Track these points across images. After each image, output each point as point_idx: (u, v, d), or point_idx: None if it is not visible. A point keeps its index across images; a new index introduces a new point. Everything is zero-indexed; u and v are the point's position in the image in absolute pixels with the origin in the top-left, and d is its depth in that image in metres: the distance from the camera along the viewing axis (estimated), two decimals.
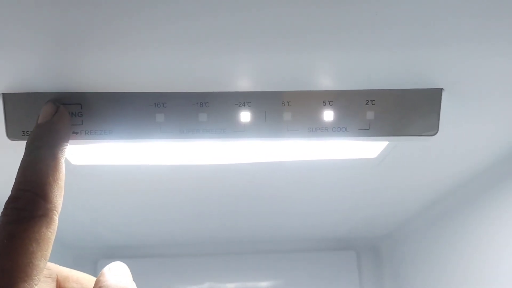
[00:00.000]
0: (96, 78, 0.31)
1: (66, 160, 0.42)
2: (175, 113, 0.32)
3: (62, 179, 0.26)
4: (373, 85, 0.32)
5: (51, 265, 0.28)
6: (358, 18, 0.25)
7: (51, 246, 0.25)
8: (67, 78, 0.30)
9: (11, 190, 0.25)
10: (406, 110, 0.33)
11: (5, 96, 0.31)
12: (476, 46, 0.28)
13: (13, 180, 0.26)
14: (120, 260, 0.28)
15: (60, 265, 0.29)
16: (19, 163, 0.27)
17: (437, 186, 0.58)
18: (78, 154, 0.43)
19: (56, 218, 0.25)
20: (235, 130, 0.33)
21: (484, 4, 0.25)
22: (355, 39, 0.27)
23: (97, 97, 0.32)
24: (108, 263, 0.29)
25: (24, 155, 0.27)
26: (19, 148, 0.32)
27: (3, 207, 0.25)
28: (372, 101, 0.33)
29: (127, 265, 0.29)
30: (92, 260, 0.89)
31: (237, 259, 0.93)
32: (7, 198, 0.25)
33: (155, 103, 0.32)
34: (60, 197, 0.26)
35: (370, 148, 0.44)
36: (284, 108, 0.33)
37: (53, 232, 0.25)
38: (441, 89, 0.33)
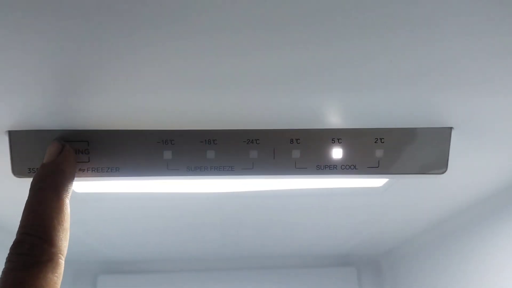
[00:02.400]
0: (103, 116, 0.30)
1: None
2: (182, 150, 0.32)
3: (67, 220, 0.26)
4: (382, 124, 0.32)
5: None
6: (367, 58, 0.25)
7: None
8: (74, 115, 0.30)
9: (16, 234, 0.25)
10: (415, 149, 0.33)
11: (12, 133, 0.31)
12: (486, 87, 0.28)
13: (19, 216, 0.26)
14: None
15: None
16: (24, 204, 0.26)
17: (440, 211, 0.58)
18: (80, 182, 0.43)
19: (61, 261, 0.25)
20: (243, 167, 0.32)
21: (495, 46, 0.24)
22: (365, 79, 0.27)
23: (104, 134, 0.31)
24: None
25: (28, 197, 0.26)
26: (25, 184, 0.32)
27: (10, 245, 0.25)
28: (381, 139, 0.32)
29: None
30: (91, 275, 0.88)
31: (238, 275, 0.92)
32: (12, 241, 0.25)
33: (162, 141, 0.32)
34: (65, 239, 0.26)
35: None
36: (292, 145, 0.32)
37: (59, 276, 0.25)
38: (451, 128, 0.32)
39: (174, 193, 0.46)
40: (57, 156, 0.29)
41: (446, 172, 0.33)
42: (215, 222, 0.63)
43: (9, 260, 0.24)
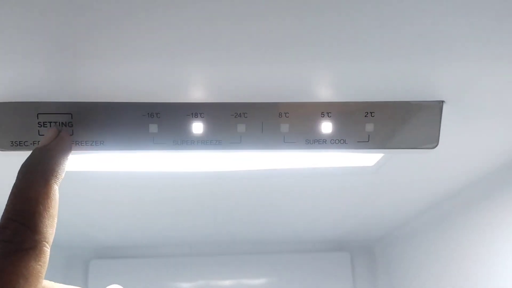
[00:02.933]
0: (88, 88, 0.30)
1: None
2: (169, 124, 0.31)
3: (54, 207, 0.25)
4: (373, 97, 0.32)
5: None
6: (358, 30, 0.25)
7: (41, 281, 0.23)
8: (57, 87, 0.29)
9: (0, 218, 0.24)
10: (406, 123, 0.32)
11: None
12: (478, 59, 0.28)
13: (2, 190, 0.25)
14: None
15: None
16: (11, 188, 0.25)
17: (432, 193, 0.58)
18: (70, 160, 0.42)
19: (46, 249, 0.24)
20: (230, 141, 0.32)
21: (487, 19, 0.24)
22: (355, 50, 0.27)
23: (88, 107, 0.31)
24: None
25: (15, 180, 0.25)
26: (8, 158, 0.31)
27: None
28: (371, 113, 0.32)
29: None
30: (84, 260, 0.88)
31: (233, 260, 0.92)
32: None
33: (148, 114, 0.31)
34: (51, 227, 0.24)
35: (368, 156, 0.43)
36: (281, 119, 0.32)
37: (43, 265, 0.23)
38: (442, 102, 0.32)
39: (165, 172, 0.46)
40: (51, 141, 0.28)
41: (438, 148, 0.33)
42: (207, 207, 0.62)
43: None
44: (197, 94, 0.31)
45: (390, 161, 0.44)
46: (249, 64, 0.28)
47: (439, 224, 0.66)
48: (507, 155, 0.44)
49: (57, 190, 0.25)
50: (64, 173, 0.27)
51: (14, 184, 0.25)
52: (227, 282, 0.92)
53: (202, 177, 0.48)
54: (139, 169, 0.45)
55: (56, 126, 0.30)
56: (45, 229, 0.24)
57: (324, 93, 0.31)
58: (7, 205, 0.24)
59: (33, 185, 0.25)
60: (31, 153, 0.27)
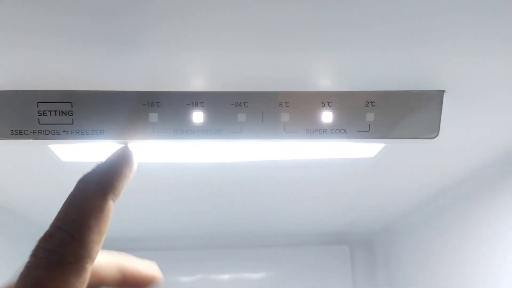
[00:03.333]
0: (88, 76, 0.30)
1: (56, 157, 0.41)
2: (169, 112, 0.31)
3: (106, 223, 0.24)
4: (374, 86, 0.32)
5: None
6: (359, 18, 0.25)
7: None
8: (58, 75, 0.29)
9: (50, 225, 0.23)
10: (407, 112, 0.32)
11: None
12: (479, 48, 0.28)
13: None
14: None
15: None
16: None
17: (433, 185, 0.58)
18: (68, 151, 0.42)
19: (88, 267, 0.22)
20: (231, 131, 0.32)
21: (487, 6, 0.24)
22: (356, 39, 0.27)
23: (89, 95, 0.30)
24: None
25: (73, 189, 0.24)
26: (8, 146, 0.31)
27: None
28: (372, 102, 0.32)
29: None
30: None
31: (232, 253, 0.92)
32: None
33: (148, 102, 0.31)
34: (98, 243, 0.23)
35: (368, 147, 0.43)
36: (281, 108, 0.32)
37: (83, 282, 0.22)
38: (443, 91, 0.32)
39: (164, 164, 0.45)
40: (115, 157, 0.27)
41: (439, 138, 0.33)
42: (205, 199, 0.62)
43: (34, 253, 0.22)
44: (197, 83, 0.31)
45: (390, 152, 0.44)
46: (249, 53, 0.28)
47: (439, 217, 0.66)
48: (509, 145, 0.44)
49: (112, 208, 0.24)
50: (123, 191, 0.25)
51: (71, 192, 0.24)
52: (226, 276, 0.92)
53: (200, 168, 0.48)
54: (138, 161, 0.44)
55: (124, 142, 0.28)
56: (91, 245, 0.23)
57: (325, 82, 0.31)
58: (59, 212, 0.23)
59: (89, 196, 0.24)
60: (96, 165, 0.26)
